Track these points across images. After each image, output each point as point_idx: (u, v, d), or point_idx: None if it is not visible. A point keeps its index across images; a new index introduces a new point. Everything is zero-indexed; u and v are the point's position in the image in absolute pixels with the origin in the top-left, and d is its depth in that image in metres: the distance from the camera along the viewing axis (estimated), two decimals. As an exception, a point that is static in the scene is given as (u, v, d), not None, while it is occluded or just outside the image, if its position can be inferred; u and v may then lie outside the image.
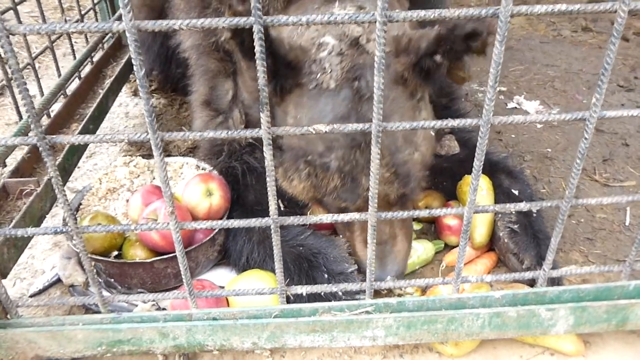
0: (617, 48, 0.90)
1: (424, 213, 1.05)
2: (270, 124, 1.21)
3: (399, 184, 1.36)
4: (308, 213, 1.49)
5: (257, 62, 0.84)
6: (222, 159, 1.79)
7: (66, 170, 1.85)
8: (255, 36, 0.81)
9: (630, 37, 3.50)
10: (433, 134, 1.50)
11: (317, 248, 1.52)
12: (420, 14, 0.84)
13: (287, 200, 1.69)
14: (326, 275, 1.46)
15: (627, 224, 1.85)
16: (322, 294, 1.40)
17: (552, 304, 1.19)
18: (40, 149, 0.91)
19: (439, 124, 0.94)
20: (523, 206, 1.07)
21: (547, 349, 1.37)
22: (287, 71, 1.29)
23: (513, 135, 2.35)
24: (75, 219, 1.61)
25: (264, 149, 0.93)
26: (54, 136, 0.90)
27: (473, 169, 0.99)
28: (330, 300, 1.33)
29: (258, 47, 0.82)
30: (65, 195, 0.98)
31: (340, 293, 1.40)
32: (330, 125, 0.92)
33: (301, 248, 1.52)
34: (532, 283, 1.41)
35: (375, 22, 0.82)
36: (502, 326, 1.19)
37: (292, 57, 1.28)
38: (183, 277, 1.09)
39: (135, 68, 0.82)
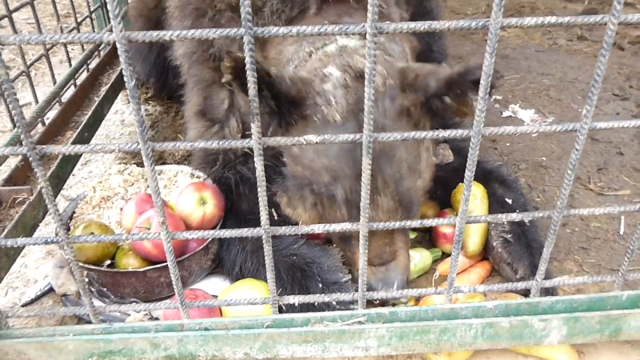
0: (608, 60, 0.90)
1: (416, 224, 1.05)
2: (275, 155, 1.22)
3: (402, 212, 1.38)
4: (299, 223, 1.49)
5: (247, 72, 0.84)
6: (216, 169, 1.79)
7: (60, 178, 1.84)
8: (246, 47, 0.82)
9: (625, 46, 3.52)
10: (434, 159, 1.51)
11: (310, 257, 1.51)
12: (411, 25, 0.84)
13: (280, 208, 1.69)
14: (320, 285, 1.45)
15: (621, 233, 1.85)
16: (316, 304, 1.39)
17: (545, 315, 1.19)
18: (30, 159, 0.90)
19: (430, 134, 0.94)
20: (515, 216, 1.07)
21: (541, 359, 1.37)
22: (290, 107, 1.30)
23: (508, 144, 2.36)
24: (68, 228, 1.62)
25: (255, 159, 0.93)
26: (44, 146, 0.90)
27: (464, 179, 0.99)
28: (324, 311, 1.33)
29: (248, 57, 0.82)
30: (55, 205, 0.98)
31: (334, 303, 1.40)
32: (320, 135, 0.92)
33: (295, 257, 1.52)
34: (526, 293, 1.41)
35: (367, 34, 0.82)
36: (495, 336, 1.19)
37: (295, 92, 1.29)
38: (174, 286, 1.09)
39: (125, 79, 0.82)
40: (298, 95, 1.29)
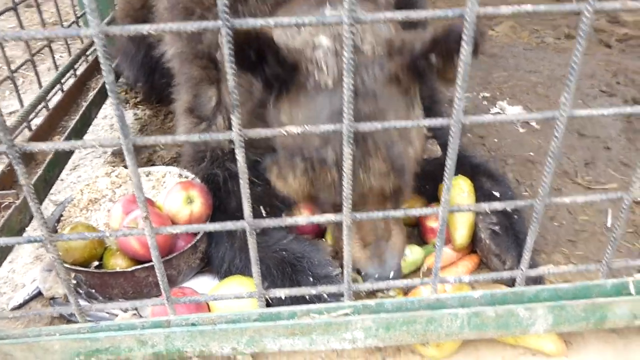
0: (584, 49, 0.91)
1: (399, 213, 1.05)
2: (264, 125, 1.23)
3: (395, 176, 1.38)
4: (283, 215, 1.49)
5: (226, 65, 0.84)
6: (204, 166, 1.79)
7: (47, 182, 1.84)
8: (224, 39, 0.82)
9: (612, 44, 3.55)
10: (425, 131, 1.52)
11: (300, 252, 1.52)
12: (387, 15, 0.85)
13: (269, 206, 1.69)
14: (311, 279, 1.46)
15: (608, 225, 1.87)
16: (307, 297, 1.40)
17: (531, 303, 1.19)
18: (10, 157, 0.90)
19: (410, 124, 0.95)
20: (497, 205, 1.07)
21: (529, 349, 1.38)
22: (287, 73, 1.31)
23: (496, 140, 2.37)
24: (56, 231, 1.62)
25: (236, 151, 0.93)
26: (24, 144, 0.90)
27: (445, 169, 0.99)
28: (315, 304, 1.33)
29: (226, 49, 0.83)
30: (37, 203, 0.98)
31: (325, 296, 1.40)
32: (302, 126, 0.93)
33: (284, 252, 1.52)
34: (513, 284, 1.42)
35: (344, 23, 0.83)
36: (481, 326, 1.19)
37: (291, 60, 1.30)
38: (160, 282, 1.08)
39: (104, 73, 0.83)
40: (293, 62, 1.31)
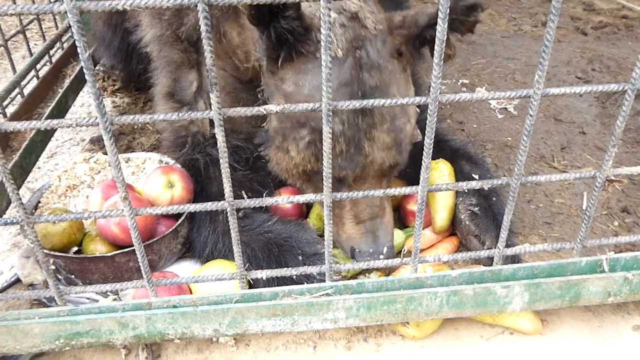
0: (556, 26, 0.93)
1: (378, 193, 1.06)
2: (262, 92, 1.19)
3: (396, 150, 1.41)
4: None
5: (203, 41, 0.84)
6: (185, 151, 1.78)
7: (24, 169, 1.81)
8: (200, 15, 0.82)
9: (588, 32, 3.61)
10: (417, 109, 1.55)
11: (287, 232, 1.53)
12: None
13: (251, 190, 1.69)
14: (300, 258, 1.46)
15: (584, 207, 1.91)
16: (295, 278, 1.40)
17: (508, 281, 1.22)
18: (-16, 134, 0.89)
19: (388, 102, 0.95)
20: (475, 184, 1.09)
21: (507, 328, 1.41)
22: (301, 36, 1.30)
23: (475, 125, 2.40)
24: (32, 213, 1.59)
25: (216, 130, 0.93)
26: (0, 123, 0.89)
27: (424, 148, 1.01)
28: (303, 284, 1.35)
29: (203, 25, 0.83)
30: (13, 185, 0.96)
31: (315, 274, 1.40)
32: (281, 105, 0.93)
33: (269, 234, 1.53)
34: (492, 264, 1.44)
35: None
36: (460, 304, 1.21)
37: (304, 26, 1.30)
38: (140, 264, 1.08)
39: (79, 50, 0.82)
40: (305, 29, 1.30)
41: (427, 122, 0.97)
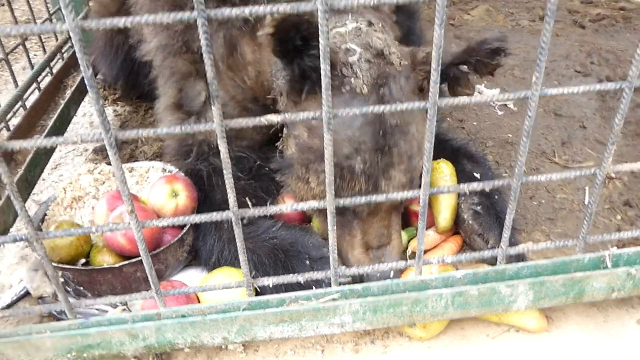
0: (552, 28, 0.94)
1: (381, 198, 1.07)
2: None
3: (409, 187, 1.44)
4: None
5: (204, 55, 0.85)
6: (189, 161, 1.80)
7: (29, 182, 1.82)
8: (200, 29, 0.83)
9: (586, 24, 3.60)
10: None
11: (292, 237, 1.55)
12: (361, 1, 0.87)
13: (255, 197, 1.71)
14: (308, 262, 1.48)
15: (586, 202, 1.91)
16: (303, 283, 1.42)
17: (512, 280, 1.23)
18: (-10, 154, 0.90)
19: (388, 108, 0.96)
20: (476, 186, 1.10)
21: (512, 326, 1.42)
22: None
23: (475, 123, 2.41)
24: (41, 230, 1.61)
25: (219, 141, 0.94)
26: (5, 142, 0.90)
27: (425, 152, 1.02)
28: (312, 289, 1.36)
29: (204, 40, 0.84)
30: (21, 201, 0.98)
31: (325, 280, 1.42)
32: (281, 115, 0.94)
33: (275, 240, 1.54)
34: (496, 262, 1.46)
35: (318, 10, 0.84)
36: (465, 305, 1.22)
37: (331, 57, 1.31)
38: (148, 275, 1.09)
39: (82, 68, 0.83)
40: (331, 61, 1.31)
41: (427, 126, 0.98)
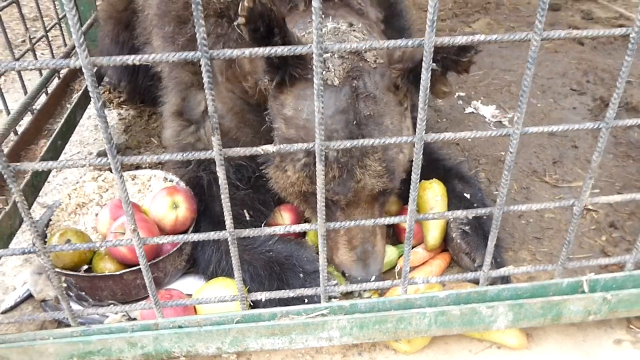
0: (532, 72, 1.00)
1: (369, 222, 1.14)
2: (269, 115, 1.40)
3: (387, 178, 1.48)
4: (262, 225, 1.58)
5: (205, 90, 0.92)
6: (190, 169, 1.86)
7: (35, 187, 1.89)
8: (203, 68, 0.89)
9: (585, 41, 3.66)
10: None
11: (288, 251, 1.61)
12: (353, 45, 0.93)
13: (252, 209, 1.77)
14: (301, 275, 1.55)
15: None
16: (299, 297, 1.48)
17: (492, 302, 1.29)
18: (5, 176, 0.97)
19: (376, 142, 1.03)
20: (460, 214, 1.17)
21: (494, 343, 1.48)
22: (297, 62, 1.37)
23: (469, 140, 2.47)
24: (45, 235, 1.67)
25: (217, 169, 1.00)
26: (18, 164, 0.97)
27: (411, 181, 1.08)
28: (306, 303, 1.43)
29: (206, 77, 0.90)
30: (31, 217, 1.04)
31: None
32: (277, 146, 1.01)
33: (271, 253, 1.61)
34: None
35: (313, 53, 0.91)
36: (447, 324, 1.29)
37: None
38: (147, 288, 1.16)
39: (92, 100, 0.89)
40: (304, 55, 1.36)
41: (414, 159, 1.05)
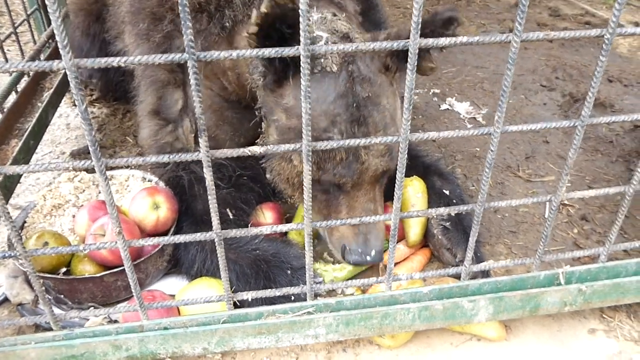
0: (513, 74, 1.03)
1: (354, 221, 1.15)
2: (260, 110, 1.42)
3: (389, 157, 1.52)
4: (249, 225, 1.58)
5: (193, 93, 0.91)
6: (169, 168, 1.84)
7: (8, 189, 1.84)
8: (190, 70, 0.89)
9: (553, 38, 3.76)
10: None
11: (274, 249, 1.62)
12: (340, 47, 0.94)
13: (235, 208, 1.77)
14: (289, 272, 1.55)
15: (545, 216, 2.04)
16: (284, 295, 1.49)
17: (474, 296, 1.33)
18: (-14, 179, 0.94)
19: (362, 141, 1.04)
20: (442, 211, 1.19)
21: (474, 335, 1.52)
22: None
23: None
24: (20, 238, 1.63)
25: (204, 170, 1.00)
26: (1, 167, 0.94)
27: (396, 180, 1.10)
28: (293, 300, 1.45)
29: (193, 80, 0.90)
30: (12, 220, 1.02)
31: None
32: (264, 147, 1.01)
33: (257, 252, 1.61)
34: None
35: (300, 55, 0.91)
36: (431, 318, 1.32)
37: None
38: (133, 290, 1.15)
39: (77, 103, 0.88)
40: None
41: (399, 158, 1.06)
